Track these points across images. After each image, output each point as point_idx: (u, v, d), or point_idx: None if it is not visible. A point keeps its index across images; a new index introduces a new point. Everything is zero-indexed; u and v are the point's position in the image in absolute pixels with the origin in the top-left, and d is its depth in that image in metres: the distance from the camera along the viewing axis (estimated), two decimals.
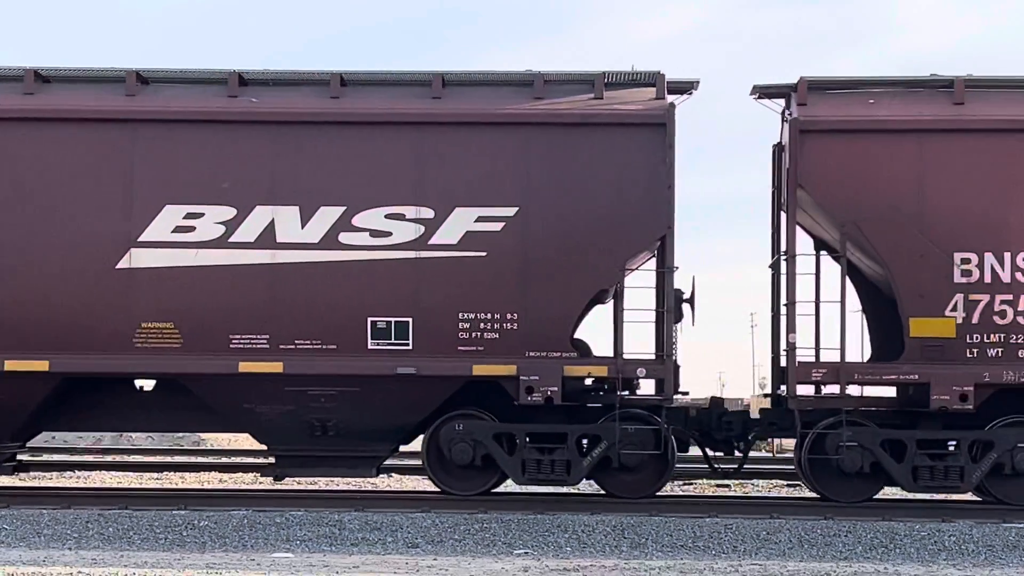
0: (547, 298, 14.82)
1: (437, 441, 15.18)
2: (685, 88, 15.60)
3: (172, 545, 12.87)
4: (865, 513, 14.38)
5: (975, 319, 14.50)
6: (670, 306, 15.11)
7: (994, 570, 11.61)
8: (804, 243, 15.47)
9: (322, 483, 18.07)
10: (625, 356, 15.01)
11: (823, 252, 15.50)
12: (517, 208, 14.90)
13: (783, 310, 15.41)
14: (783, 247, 15.43)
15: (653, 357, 15.20)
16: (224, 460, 17.76)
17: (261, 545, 12.86)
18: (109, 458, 21.65)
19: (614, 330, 15.32)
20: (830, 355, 14.94)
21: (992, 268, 14.53)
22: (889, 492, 17.33)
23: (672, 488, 17.53)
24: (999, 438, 14.68)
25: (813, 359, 15.07)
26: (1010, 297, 14.47)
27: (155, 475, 18.82)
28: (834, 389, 14.95)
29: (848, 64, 73.96)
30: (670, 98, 15.35)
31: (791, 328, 14.87)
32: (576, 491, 16.86)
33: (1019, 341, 14.47)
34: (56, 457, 20.97)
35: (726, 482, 17.85)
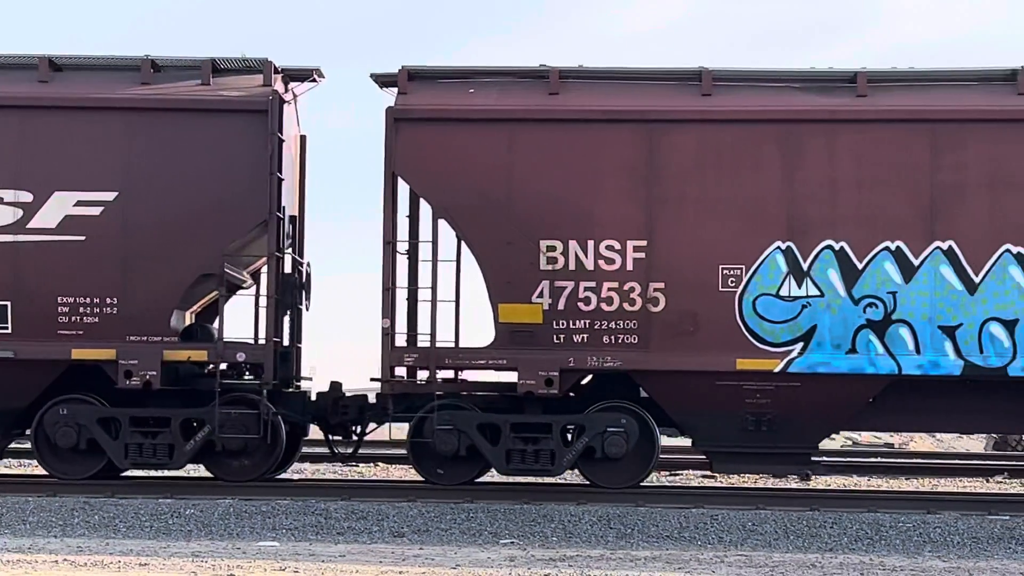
0: (147, 283, 14.81)
1: (44, 426, 15.06)
2: (305, 76, 15.62)
3: (158, 533, 12.76)
4: (851, 504, 14.36)
5: (561, 305, 14.52)
6: (272, 292, 15.11)
7: (979, 562, 11.51)
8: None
9: (308, 471, 18.01)
10: (225, 340, 15.10)
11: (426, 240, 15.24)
12: (117, 193, 14.84)
13: (401, 295, 15.31)
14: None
15: (253, 341, 15.38)
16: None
17: (247, 534, 12.77)
18: None
19: (255, 316, 15.48)
20: (424, 340, 14.94)
21: (577, 256, 14.53)
22: (875, 483, 17.51)
23: (658, 479, 17.51)
24: (590, 422, 14.74)
25: (407, 344, 15.07)
26: (594, 284, 14.49)
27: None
28: (449, 374, 15.10)
29: (834, 54, 73.95)
30: (292, 86, 15.54)
31: (385, 313, 14.82)
32: (562, 481, 16.84)
33: (603, 327, 14.50)
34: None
35: (711, 473, 17.83)
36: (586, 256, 14.64)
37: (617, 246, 14.62)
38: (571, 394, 15.02)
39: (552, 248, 14.64)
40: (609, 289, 14.61)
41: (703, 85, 14.85)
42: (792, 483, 17.06)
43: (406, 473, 17.57)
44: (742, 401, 14.62)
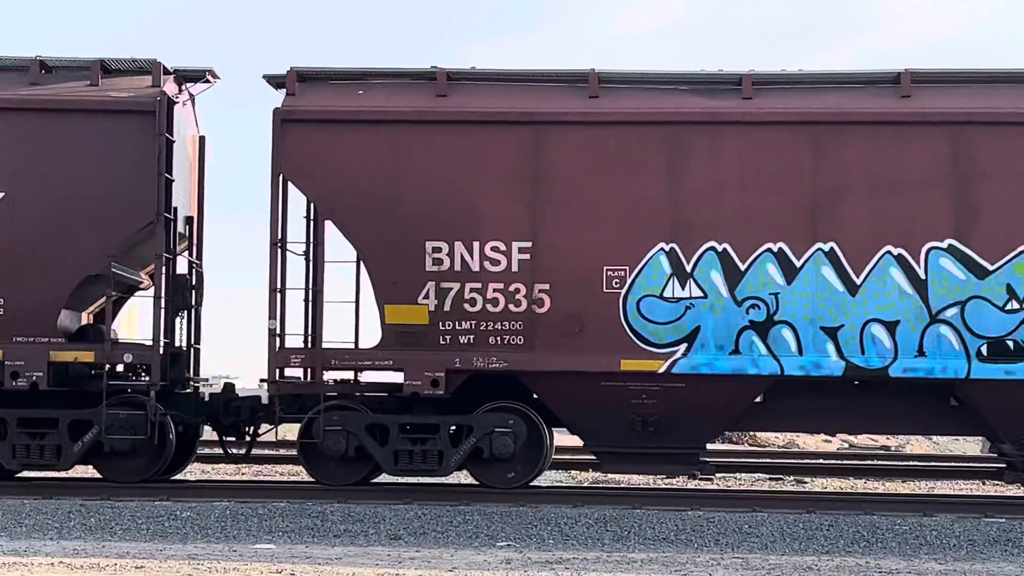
0: (34, 284, 14.83)
1: None
2: (199, 76, 15.69)
3: (154, 536, 12.76)
4: (847, 507, 14.37)
5: (447, 307, 14.60)
6: (161, 293, 15.17)
7: (975, 564, 11.49)
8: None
9: (305, 474, 18.02)
10: (115, 341, 15.21)
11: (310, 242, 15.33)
12: (4, 194, 14.87)
13: (311, 297, 15.31)
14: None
15: (142, 343, 15.38)
16: (206, 451, 17.68)
17: (243, 536, 12.78)
18: None
19: (153, 316, 15.41)
20: (310, 341, 15.07)
21: (462, 257, 14.62)
22: (871, 486, 17.54)
23: (654, 481, 17.57)
24: (478, 423, 14.84)
25: (294, 345, 15.12)
26: (479, 285, 14.58)
27: None
28: (347, 375, 15.21)
29: (832, 58, 74.05)
30: (188, 87, 15.66)
31: (272, 314, 14.87)
32: (558, 484, 16.98)
33: (489, 328, 14.58)
34: None
35: (708, 477, 17.68)
36: (472, 257, 14.70)
37: (502, 247, 14.68)
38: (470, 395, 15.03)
39: (438, 249, 14.70)
40: (494, 290, 14.68)
41: (590, 87, 14.92)
42: (789, 486, 17.02)
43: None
44: (628, 402, 14.69)
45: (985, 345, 14.25)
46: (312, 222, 15.39)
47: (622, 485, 17.39)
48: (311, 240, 15.40)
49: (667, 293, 14.55)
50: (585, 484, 17.48)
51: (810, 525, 13.33)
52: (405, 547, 12.20)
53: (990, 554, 12.24)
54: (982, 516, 13.94)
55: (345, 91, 15.19)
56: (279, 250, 15.11)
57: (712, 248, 14.53)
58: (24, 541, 12.23)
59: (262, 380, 15.16)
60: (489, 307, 14.68)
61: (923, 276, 14.32)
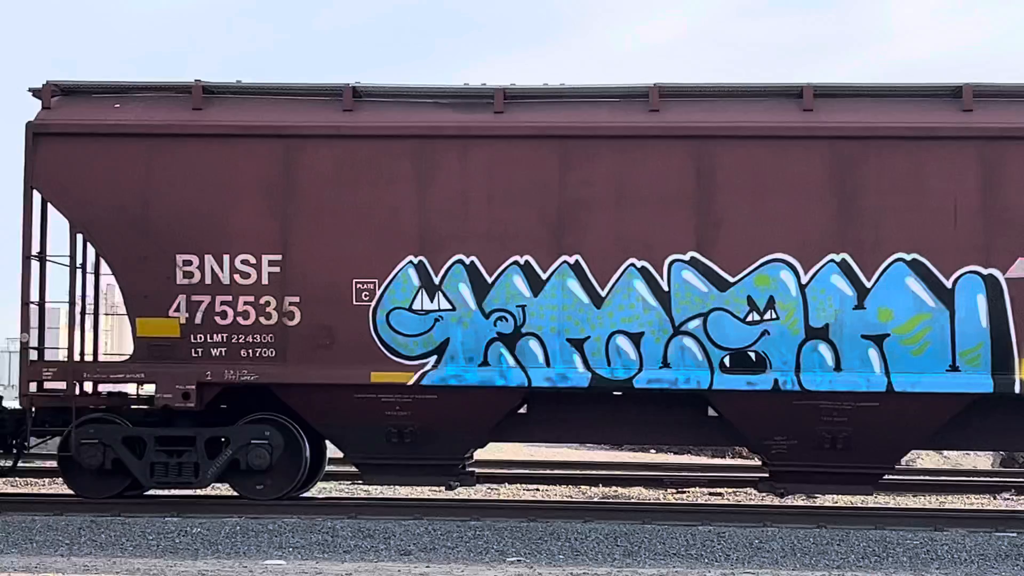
0: None
1: None
2: None
3: (164, 552, 12.79)
4: (858, 522, 14.32)
5: (198, 319, 14.70)
6: None
7: None
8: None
9: (315, 489, 17.91)
10: None
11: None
12: None
13: (72, 310, 15.22)
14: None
15: None
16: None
17: (253, 552, 12.81)
18: None
19: None
20: (63, 354, 15.09)
21: (213, 270, 14.71)
22: (882, 500, 17.59)
23: (664, 496, 17.57)
24: (235, 435, 14.92)
25: (48, 358, 15.20)
26: (230, 298, 14.69)
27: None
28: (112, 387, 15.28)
29: (844, 71, 74.66)
30: None
31: (24, 327, 14.90)
32: (568, 499, 16.97)
33: (240, 341, 14.69)
34: (50, 463, 20.25)
35: (718, 491, 18.06)
36: (222, 270, 14.74)
37: (253, 260, 14.74)
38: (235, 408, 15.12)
39: (188, 262, 14.74)
40: (245, 303, 14.74)
41: (344, 101, 15.00)
42: (799, 500, 17.06)
43: (411, 491, 17.68)
44: (383, 413, 14.78)
45: (728, 356, 14.45)
46: (71, 235, 15.36)
47: (632, 500, 17.42)
48: (72, 253, 15.35)
49: (416, 306, 14.65)
50: (595, 499, 17.46)
51: (821, 540, 13.31)
52: (415, 563, 12.27)
53: (1001, 569, 12.30)
54: (993, 531, 13.87)
55: (102, 104, 15.20)
56: (32, 263, 15.04)
57: (460, 261, 14.65)
58: (35, 557, 12.30)
59: (22, 394, 15.15)
60: (240, 320, 14.74)
61: (666, 288, 14.49)
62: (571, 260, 14.55)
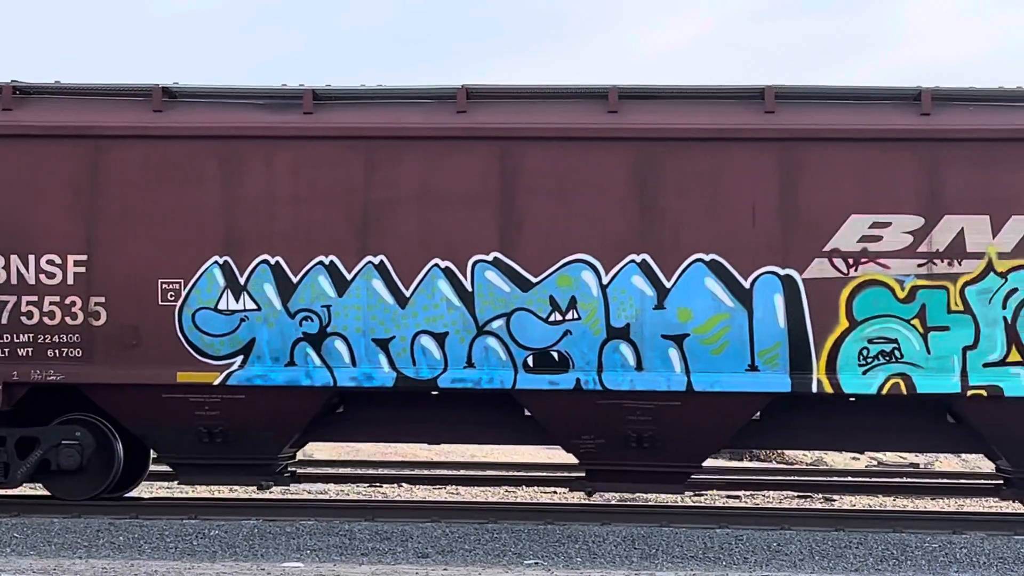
0: None
1: None
2: None
3: (182, 554, 12.76)
4: (876, 525, 14.26)
5: (4, 320, 14.74)
6: None
7: None
8: None
9: (332, 491, 17.96)
10: None
11: None
12: None
13: None
14: None
15: None
16: None
17: (271, 554, 12.77)
18: None
19: None
20: None
21: (18, 270, 14.77)
22: (901, 503, 17.62)
23: (682, 499, 17.54)
24: (45, 435, 14.97)
25: None
26: (36, 299, 14.75)
27: (165, 484, 18.49)
28: None
29: (856, 73, 74.97)
30: None
31: None
32: (586, 501, 16.95)
33: (47, 341, 14.75)
34: None
35: (736, 493, 18.03)
36: (27, 270, 14.75)
37: (58, 260, 14.75)
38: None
39: None
40: (51, 303, 14.75)
41: (154, 101, 15.04)
42: (817, 503, 16.96)
43: (429, 493, 17.71)
44: (192, 414, 14.81)
45: (531, 356, 14.55)
46: None
47: (650, 503, 17.37)
48: None
49: (222, 306, 14.69)
50: (613, 502, 17.44)
51: (839, 543, 13.26)
52: (433, 565, 12.23)
53: (1020, 572, 12.23)
54: (1012, 534, 13.82)
55: None
56: None
57: (265, 261, 14.69)
58: (53, 559, 12.26)
59: None
60: (46, 320, 14.75)
61: (470, 288, 14.57)
62: (376, 261, 14.62)
